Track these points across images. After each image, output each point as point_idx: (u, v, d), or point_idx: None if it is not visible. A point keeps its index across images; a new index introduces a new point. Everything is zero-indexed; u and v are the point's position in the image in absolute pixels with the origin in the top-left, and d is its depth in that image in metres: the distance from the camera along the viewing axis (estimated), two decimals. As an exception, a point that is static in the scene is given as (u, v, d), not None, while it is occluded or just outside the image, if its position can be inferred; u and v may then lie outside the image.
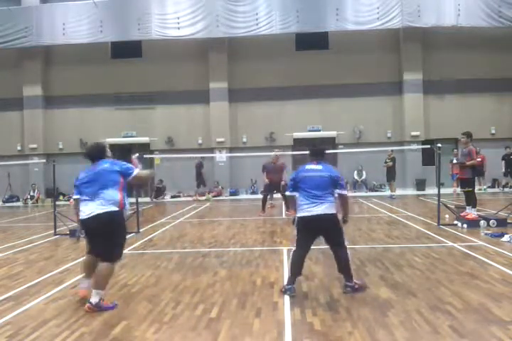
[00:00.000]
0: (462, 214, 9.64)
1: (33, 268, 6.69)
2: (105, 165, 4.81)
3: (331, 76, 19.96)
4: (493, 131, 19.77)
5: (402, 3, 18.56)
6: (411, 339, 3.65)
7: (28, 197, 19.98)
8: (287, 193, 5.38)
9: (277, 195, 13.46)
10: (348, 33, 19.36)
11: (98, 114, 20.86)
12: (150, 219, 12.37)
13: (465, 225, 9.06)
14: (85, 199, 4.75)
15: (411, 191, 19.20)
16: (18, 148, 21.09)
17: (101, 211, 4.61)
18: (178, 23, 19.30)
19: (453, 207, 10.86)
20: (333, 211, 4.99)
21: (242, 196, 19.81)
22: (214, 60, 20.32)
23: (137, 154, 7.84)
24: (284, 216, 12.27)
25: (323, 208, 4.93)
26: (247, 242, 8.30)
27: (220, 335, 3.85)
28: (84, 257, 5.14)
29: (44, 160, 18.29)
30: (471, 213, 9.48)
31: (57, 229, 9.95)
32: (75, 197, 5.02)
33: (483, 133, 18.75)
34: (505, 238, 7.57)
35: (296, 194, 5.17)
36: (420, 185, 19.35)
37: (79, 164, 15.48)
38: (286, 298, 4.82)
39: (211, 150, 20.29)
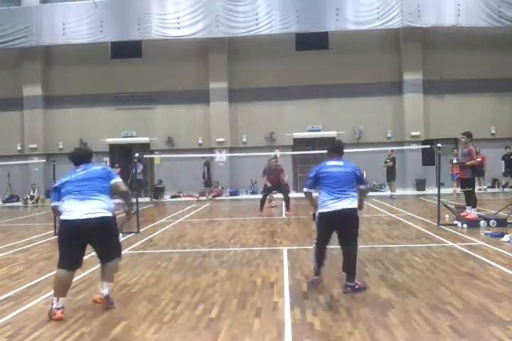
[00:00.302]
0: (462, 214, 9.64)
1: (33, 268, 6.69)
2: (98, 168, 4.77)
3: (331, 76, 19.95)
4: (493, 131, 19.78)
5: (402, 3, 18.56)
6: (411, 339, 3.65)
7: (28, 197, 19.98)
8: (305, 189, 5.42)
9: (277, 195, 13.46)
10: (348, 33, 19.36)
11: (98, 114, 20.86)
12: (150, 219, 12.37)
13: (465, 225, 9.05)
14: (77, 198, 4.45)
15: (411, 191, 19.20)
16: (18, 148, 21.09)
17: (103, 214, 4.43)
18: (178, 23, 19.30)
19: (453, 207, 10.86)
20: (355, 205, 5.14)
21: (242, 196, 19.81)
22: (214, 60, 20.32)
23: (137, 154, 7.88)
24: (284, 216, 12.28)
25: (348, 203, 5.06)
26: (247, 242, 8.30)
27: (220, 335, 3.85)
28: (58, 273, 4.42)
29: (44, 160, 18.29)
30: (471, 213, 9.47)
31: (57, 229, 9.93)
32: (55, 204, 4.64)
33: (483, 133, 18.75)
34: (505, 238, 7.57)
35: (312, 191, 5.36)
36: (420, 185, 19.35)
37: (79, 164, 15.55)
38: (286, 298, 4.81)
39: (211, 150, 20.29)
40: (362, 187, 5.31)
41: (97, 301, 4.56)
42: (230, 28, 19.29)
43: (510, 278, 5.32)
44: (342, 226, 5.09)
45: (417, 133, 19.54)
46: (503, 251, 6.73)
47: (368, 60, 19.87)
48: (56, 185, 4.73)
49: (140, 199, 12.41)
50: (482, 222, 9.04)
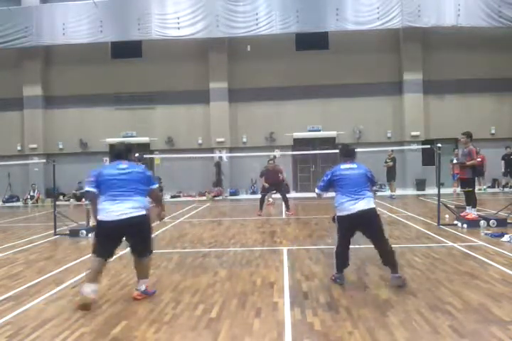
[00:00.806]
0: (462, 214, 9.64)
1: (33, 268, 6.69)
2: (140, 171, 4.95)
3: (331, 76, 19.96)
4: (493, 131, 19.78)
5: (402, 3, 18.56)
6: (411, 339, 3.65)
7: (28, 197, 19.99)
8: (317, 191, 5.63)
9: (276, 196, 13.46)
10: (348, 33, 19.36)
11: (98, 114, 20.87)
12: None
13: (465, 225, 9.05)
14: (113, 198, 4.73)
15: (411, 191, 19.21)
16: (18, 148, 21.10)
17: (136, 214, 4.73)
18: (178, 23, 19.30)
19: (453, 207, 10.86)
20: (373, 205, 5.25)
21: (242, 196, 19.81)
22: (214, 60, 20.32)
23: (137, 154, 7.85)
24: (284, 216, 12.28)
25: (366, 203, 5.16)
26: (247, 242, 8.30)
27: (220, 335, 3.85)
28: (95, 260, 4.77)
29: (44, 160, 18.26)
30: (471, 213, 9.47)
31: (57, 229, 9.94)
32: (92, 189, 4.84)
33: (483, 133, 18.76)
34: (505, 238, 7.57)
35: (324, 193, 5.55)
36: (420, 185, 19.35)
37: (79, 164, 15.54)
38: (286, 298, 4.81)
39: (211, 150, 20.29)
40: (374, 188, 5.57)
41: (137, 298, 4.90)
42: (230, 28, 19.29)
43: (510, 278, 5.32)
44: (365, 227, 5.23)
45: (417, 133, 19.54)
46: (503, 251, 6.73)
47: (368, 60, 19.87)
48: (94, 173, 4.91)
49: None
50: (482, 222, 9.04)
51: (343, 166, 5.45)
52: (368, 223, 5.21)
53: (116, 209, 4.68)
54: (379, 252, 5.25)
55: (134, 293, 4.99)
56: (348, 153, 5.60)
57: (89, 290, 4.57)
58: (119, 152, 5.03)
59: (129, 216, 4.68)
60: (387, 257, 5.18)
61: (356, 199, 5.16)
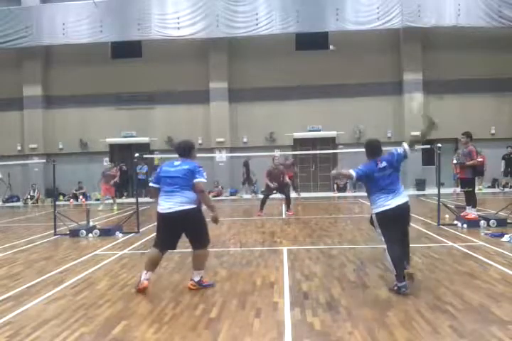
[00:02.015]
0: (462, 214, 9.64)
1: (33, 268, 6.69)
2: (187, 167, 5.14)
3: (331, 76, 19.95)
4: (493, 131, 19.77)
5: (402, 3, 18.56)
6: (411, 339, 3.65)
7: (28, 197, 19.98)
8: (353, 174, 5.18)
9: (275, 196, 13.44)
10: (348, 33, 19.35)
11: (98, 114, 20.86)
12: (150, 219, 12.36)
13: (465, 225, 9.05)
14: (165, 194, 5.13)
15: (411, 191, 19.18)
16: (18, 148, 21.11)
17: (183, 208, 5.04)
18: (178, 23, 19.30)
19: (453, 207, 10.86)
20: (407, 199, 5.22)
21: (242, 196, 19.79)
22: (214, 60, 20.32)
23: (137, 154, 7.85)
24: (284, 216, 12.28)
25: (401, 197, 5.14)
26: (247, 242, 8.30)
27: (220, 335, 3.85)
28: (151, 251, 5.34)
29: (44, 160, 18.30)
30: (471, 213, 9.48)
31: (57, 229, 9.94)
32: (153, 185, 5.32)
33: (483, 133, 18.73)
34: (505, 238, 7.57)
35: (354, 177, 5.20)
36: (420, 185, 19.35)
37: (79, 164, 15.54)
38: (286, 298, 4.81)
39: (211, 150, 20.29)
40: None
41: (191, 287, 5.13)
42: (230, 28, 19.29)
43: (510, 278, 5.32)
44: (403, 220, 5.22)
45: (417, 133, 19.39)
46: (503, 251, 6.73)
47: (368, 60, 19.86)
48: (158, 170, 5.38)
49: (140, 200, 12.39)
50: (482, 222, 9.04)
51: (378, 166, 5.22)
52: (404, 216, 5.22)
53: (166, 204, 5.09)
54: (403, 246, 5.21)
55: (189, 283, 5.20)
56: (376, 151, 5.48)
57: (143, 277, 5.16)
58: (179, 150, 5.36)
59: (175, 209, 5.03)
60: (408, 250, 5.32)
61: (392, 193, 5.08)
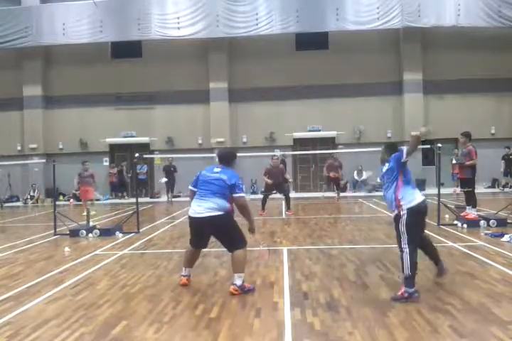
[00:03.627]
0: (462, 214, 9.64)
1: (33, 268, 6.69)
2: (225, 176, 5.14)
3: (331, 76, 19.95)
4: (493, 131, 19.78)
5: (402, 3, 18.56)
6: (411, 339, 3.65)
7: (28, 197, 19.98)
8: (405, 157, 5.19)
9: (277, 195, 13.44)
10: (348, 33, 19.37)
11: (98, 114, 20.86)
12: (150, 219, 12.37)
13: (465, 225, 9.05)
14: (198, 198, 5.21)
15: (411, 191, 19.18)
16: (18, 148, 21.11)
17: (211, 214, 5.07)
18: (178, 23, 19.31)
19: (453, 207, 10.85)
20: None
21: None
22: (214, 60, 20.33)
23: (137, 154, 7.83)
24: (284, 216, 12.27)
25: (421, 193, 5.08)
26: (247, 242, 8.26)
27: (220, 335, 3.85)
28: (187, 249, 5.56)
29: (44, 160, 18.28)
30: (471, 213, 9.47)
31: (57, 229, 9.94)
32: (191, 188, 5.42)
33: (483, 133, 18.75)
34: (505, 238, 7.56)
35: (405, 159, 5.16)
36: (420, 185, 19.30)
37: (79, 164, 15.52)
38: (286, 298, 4.81)
39: (211, 150, 20.27)
40: None
41: (233, 292, 4.98)
42: (230, 28, 19.29)
43: (510, 278, 5.32)
44: (425, 218, 5.00)
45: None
46: (503, 251, 6.73)
47: (368, 60, 19.87)
48: (198, 173, 5.46)
49: (140, 200, 12.41)
50: (482, 222, 9.04)
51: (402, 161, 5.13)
52: (426, 214, 4.99)
53: (197, 208, 5.17)
54: (428, 246, 5.15)
55: (230, 287, 5.06)
56: (393, 149, 5.43)
57: (182, 273, 5.46)
58: (221, 157, 5.40)
59: (204, 215, 5.09)
60: (435, 248, 5.21)
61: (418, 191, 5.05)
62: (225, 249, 7.59)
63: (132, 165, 18.10)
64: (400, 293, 4.58)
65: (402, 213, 4.74)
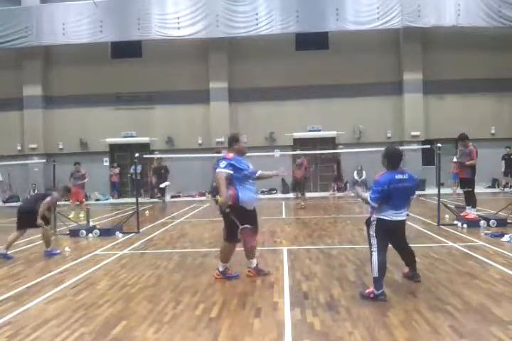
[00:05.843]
0: (462, 214, 9.64)
1: (33, 268, 6.69)
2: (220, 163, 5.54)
3: (331, 76, 19.95)
4: (493, 131, 19.77)
5: (402, 3, 18.56)
6: (411, 339, 3.65)
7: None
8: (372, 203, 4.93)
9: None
10: (348, 33, 19.36)
11: (98, 114, 20.86)
12: (150, 219, 12.37)
13: (465, 225, 9.05)
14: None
15: (411, 191, 19.18)
16: (18, 148, 21.10)
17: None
18: (178, 23, 19.31)
19: (453, 207, 10.85)
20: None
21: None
22: (214, 60, 20.32)
23: (137, 154, 7.79)
24: (284, 216, 12.27)
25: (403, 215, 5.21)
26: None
27: (220, 335, 3.85)
28: (226, 245, 5.78)
29: (44, 160, 18.28)
30: (471, 213, 9.47)
31: (57, 229, 9.94)
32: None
33: (483, 133, 18.75)
34: (505, 238, 7.56)
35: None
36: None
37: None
38: (286, 298, 4.81)
39: (211, 150, 20.25)
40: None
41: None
42: (230, 28, 19.29)
43: (510, 278, 5.31)
44: (401, 233, 5.25)
45: (417, 133, 19.53)
46: (503, 251, 6.72)
47: (368, 60, 19.86)
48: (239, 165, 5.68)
49: (140, 200, 12.41)
50: (482, 222, 9.03)
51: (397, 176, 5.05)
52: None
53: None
54: (408, 254, 5.30)
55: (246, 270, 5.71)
56: (399, 161, 5.30)
57: (220, 268, 5.69)
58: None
59: None
60: (414, 257, 5.30)
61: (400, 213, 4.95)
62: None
63: (131, 165, 18.08)
64: (368, 291, 4.67)
65: (372, 219, 4.90)
